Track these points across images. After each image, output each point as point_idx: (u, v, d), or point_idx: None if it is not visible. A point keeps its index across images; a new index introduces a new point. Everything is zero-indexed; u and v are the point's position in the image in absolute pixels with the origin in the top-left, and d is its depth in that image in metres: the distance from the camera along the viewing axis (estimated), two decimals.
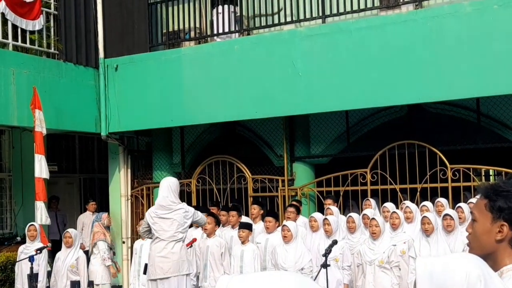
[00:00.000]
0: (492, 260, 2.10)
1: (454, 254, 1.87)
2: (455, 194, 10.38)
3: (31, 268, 8.36)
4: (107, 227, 10.87)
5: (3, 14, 10.73)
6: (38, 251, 8.72)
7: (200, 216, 8.41)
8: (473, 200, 9.18)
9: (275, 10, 11.34)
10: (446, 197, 9.87)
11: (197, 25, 12.09)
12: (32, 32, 11.31)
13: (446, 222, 8.16)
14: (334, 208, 9.57)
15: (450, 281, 1.76)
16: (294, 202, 10.48)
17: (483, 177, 10.68)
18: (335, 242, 7.59)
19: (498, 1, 9.04)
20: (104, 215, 10.97)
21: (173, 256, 8.02)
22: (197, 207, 9.25)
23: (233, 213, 9.74)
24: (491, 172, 11.11)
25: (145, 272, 8.68)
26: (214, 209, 10.36)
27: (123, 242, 12.98)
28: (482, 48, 9.13)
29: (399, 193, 10.65)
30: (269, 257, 8.56)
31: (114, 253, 11.07)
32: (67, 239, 8.98)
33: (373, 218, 8.10)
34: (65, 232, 9.21)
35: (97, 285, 9.71)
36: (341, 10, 10.49)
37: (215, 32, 11.77)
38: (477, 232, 2.14)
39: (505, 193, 2.08)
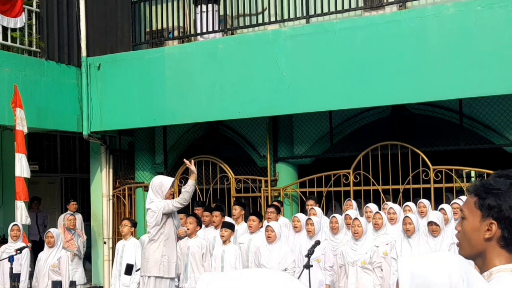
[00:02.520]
0: (482, 259, 2.08)
1: (436, 254, 1.84)
2: (437, 195, 10.42)
3: (11, 268, 8.26)
4: (68, 229, 10.78)
5: None
6: (18, 251, 8.62)
7: (169, 205, 7.88)
8: (456, 201, 9.23)
9: (259, 10, 11.31)
10: (429, 198, 9.90)
11: (181, 24, 12.04)
12: (13, 30, 11.19)
13: (431, 228, 8.17)
14: (318, 209, 9.56)
15: (432, 281, 1.73)
16: (274, 203, 10.46)
17: (465, 179, 10.72)
18: (318, 243, 7.57)
19: (481, 3, 9.08)
20: (64, 215, 11.03)
21: (144, 256, 8.18)
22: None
23: (217, 213, 9.70)
24: (472, 174, 11.15)
25: (126, 272, 8.63)
26: (199, 210, 10.30)
27: (105, 243, 12.87)
28: (465, 49, 9.16)
29: (381, 194, 10.67)
30: (252, 257, 8.52)
31: (75, 254, 10.85)
32: (48, 239, 8.91)
33: (355, 218, 8.09)
34: (47, 232, 9.14)
35: None
36: (325, 10, 10.49)
37: (199, 31, 11.72)
38: (466, 230, 2.11)
39: (495, 191, 2.05)
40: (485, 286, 1.81)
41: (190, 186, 7.96)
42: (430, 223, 8.18)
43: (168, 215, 7.97)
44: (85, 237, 11.69)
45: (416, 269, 1.77)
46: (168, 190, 7.97)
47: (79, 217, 13.09)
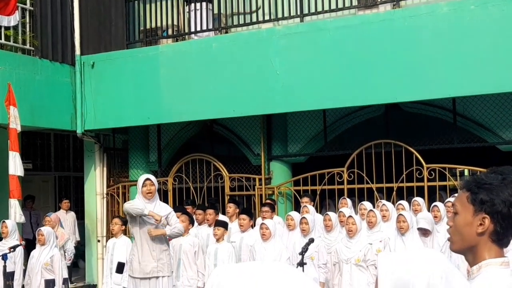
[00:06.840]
0: (472, 254, 2.09)
1: (416, 250, 1.85)
2: (431, 193, 10.45)
3: (4, 267, 8.24)
4: None
5: None
6: (12, 249, 8.59)
7: (131, 206, 7.74)
8: (450, 199, 9.26)
9: (253, 8, 11.32)
10: (422, 197, 9.93)
11: (175, 23, 12.04)
12: (7, 28, 11.16)
13: (421, 232, 8.18)
14: (311, 207, 9.58)
15: (411, 277, 1.74)
16: (268, 201, 10.46)
17: (459, 177, 10.74)
18: (311, 241, 7.59)
19: (475, 2, 9.11)
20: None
21: None
22: (173, 206, 9.07)
23: (210, 211, 9.70)
24: (466, 172, 11.17)
25: (117, 271, 8.61)
26: (189, 208, 10.30)
27: (98, 241, 12.86)
28: (458, 48, 9.19)
29: (375, 192, 10.69)
30: (245, 255, 8.53)
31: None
32: (39, 237, 8.90)
33: (349, 216, 8.11)
34: (38, 230, 9.12)
35: None
36: (319, 9, 10.51)
37: (193, 29, 11.71)
38: (458, 224, 2.12)
39: (487, 186, 2.07)
40: (465, 284, 1.81)
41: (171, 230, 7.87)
42: (419, 229, 8.16)
43: (133, 216, 7.70)
44: (65, 238, 11.31)
45: (396, 266, 1.78)
46: (141, 187, 7.77)
47: (71, 215, 13.08)
